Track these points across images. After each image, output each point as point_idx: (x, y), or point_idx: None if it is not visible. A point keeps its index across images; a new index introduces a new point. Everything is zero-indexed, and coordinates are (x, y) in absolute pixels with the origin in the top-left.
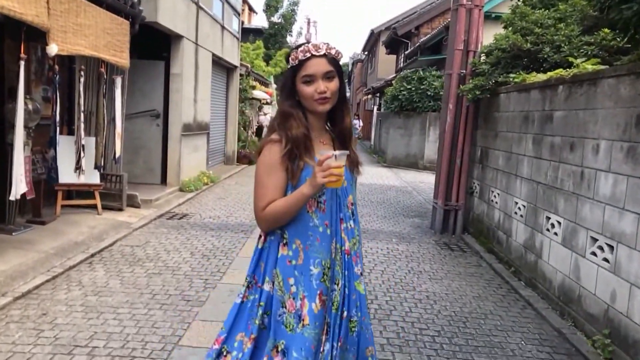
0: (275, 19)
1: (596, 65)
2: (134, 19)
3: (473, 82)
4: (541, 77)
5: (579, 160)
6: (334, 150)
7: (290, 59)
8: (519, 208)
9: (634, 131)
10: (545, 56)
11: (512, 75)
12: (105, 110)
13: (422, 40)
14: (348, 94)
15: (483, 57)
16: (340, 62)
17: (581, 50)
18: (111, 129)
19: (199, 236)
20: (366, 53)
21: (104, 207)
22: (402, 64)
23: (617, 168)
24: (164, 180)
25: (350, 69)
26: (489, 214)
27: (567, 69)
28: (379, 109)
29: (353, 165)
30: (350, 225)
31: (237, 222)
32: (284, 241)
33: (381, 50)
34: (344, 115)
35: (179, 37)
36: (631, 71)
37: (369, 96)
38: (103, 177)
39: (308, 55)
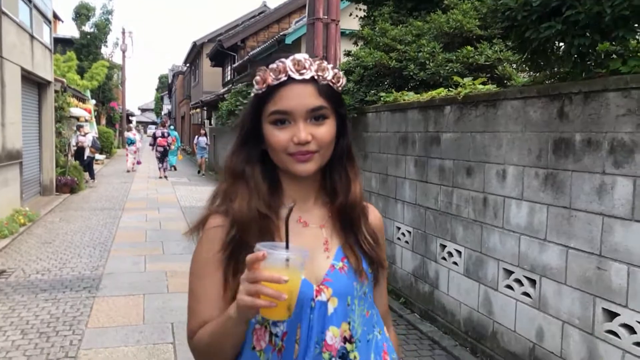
0: (88, 28)
1: (486, 84)
2: None
3: None
4: (416, 96)
5: (480, 186)
6: (337, 239)
7: (254, 81)
8: (403, 234)
9: (552, 157)
10: (411, 73)
11: (382, 94)
12: None
13: (252, 53)
14: (169, 108)
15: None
16: (340, 89)
17: (446, 67)
18: None
19: (28, 303)
20: (188, 65)
21: None
22: (229, 77)
23: (533, 196)
24: None
25: (171, 81)
26: None
27: (449, 89)
28: (210, 124)
29: (371, 265)
30: None
31: (74, 276)
32: None
33: (205, 62)
34: (351, 179)
35: None
36: (542, 93)
37: (197, 110)
38: None
39: (283, 77)
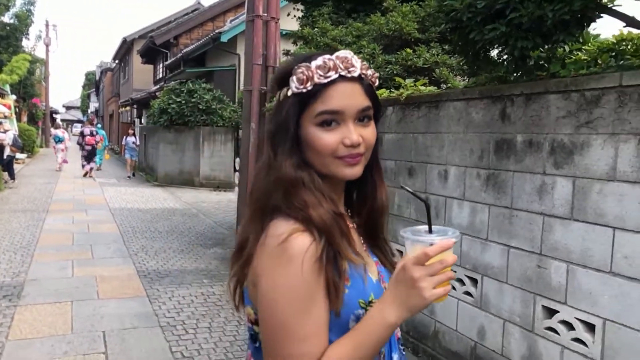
0: (7, 19)
1: (427, 86)
2: None
3: None
4: None
5: (422, 186)
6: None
7: (294, 79)
8: None
9: (493, 158)
10: None
11: None
12: None
13: (185, 51)
14: (97, 105)
15: None
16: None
17: (386, 69)
18: None
19: None
20: (117, 62)
21: None
22: (161, 75)
23: (475, 196)
24: None
25: (98, 77)
26: None
27: (390, 90)
28: (141, 123)
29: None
30: None
31: None
32: None
33: (136, 59)
34: (378, 183)
35: None
36: (484, 95)
37: (127, 108)
38: None
39: (333, 75)
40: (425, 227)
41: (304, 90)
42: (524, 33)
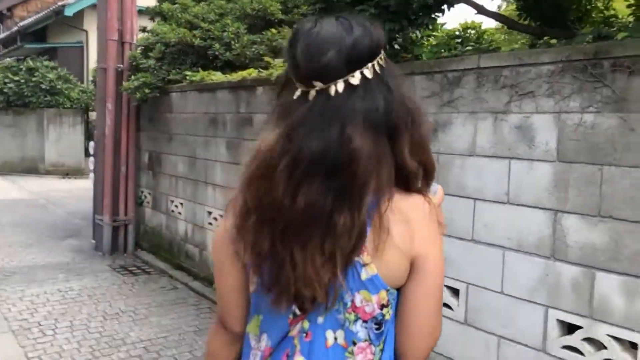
0: None
1: None
2: None
3: (139, 79)
4: (224, 76)
5: None
6: None
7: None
8: (215, 218)
9: None
10: (217, 53)
11: (188, 72)
12: None
13: (22, 24)
14: None
15: (139, 51)
16: None
17: (252, 49)
18: None
19: None
20: None
21: None
22: None
23: None
24: None
25: None
26: (170, 227)
27: (259, 70)
28: None
29: None
30: None
31: None
32: None
33: None
34: None
35: None
36: None
37: None
38: None
39: None
40: None
41: None
42: (392, 15)
